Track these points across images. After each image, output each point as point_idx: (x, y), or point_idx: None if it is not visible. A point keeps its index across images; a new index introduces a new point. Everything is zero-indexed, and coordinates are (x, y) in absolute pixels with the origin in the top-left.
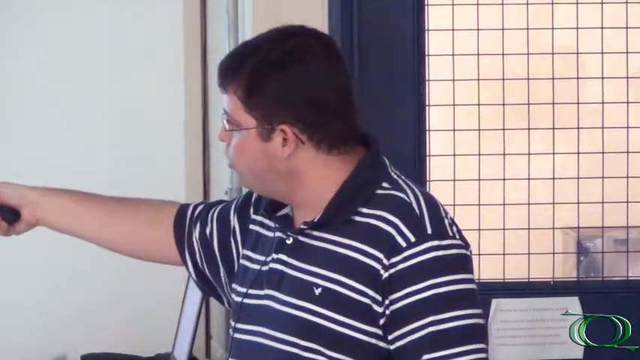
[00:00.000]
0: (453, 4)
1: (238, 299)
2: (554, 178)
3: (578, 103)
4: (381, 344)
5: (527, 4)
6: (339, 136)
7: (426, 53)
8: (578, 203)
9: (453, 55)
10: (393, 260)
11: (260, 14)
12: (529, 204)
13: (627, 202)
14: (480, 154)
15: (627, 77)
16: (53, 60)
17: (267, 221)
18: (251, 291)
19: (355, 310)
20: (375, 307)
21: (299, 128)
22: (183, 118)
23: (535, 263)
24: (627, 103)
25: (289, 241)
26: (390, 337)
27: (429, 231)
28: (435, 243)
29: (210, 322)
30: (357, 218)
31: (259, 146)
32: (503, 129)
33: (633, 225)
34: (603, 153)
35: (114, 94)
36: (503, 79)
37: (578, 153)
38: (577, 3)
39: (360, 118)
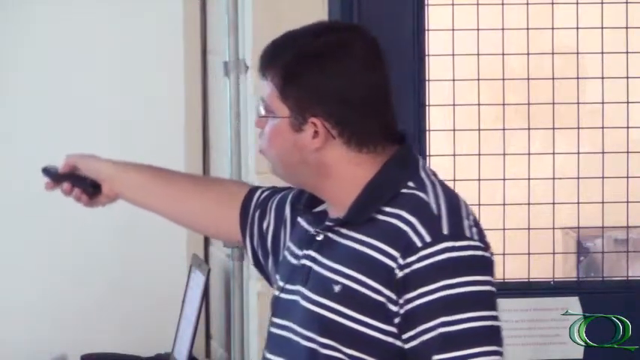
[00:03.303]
0: (453, 4)
1: (276, 293)
2: (554, 178)
3: (578, 103)
4: (398, 343)
5: (527, 4)
6: (371, 135)
7: (426, 53)
8: (578, 203)
9: (453, 55)
10: (409, 260)
11: (260, 14)
12: (529, 204)
13: (627, 202)
14: (479, 154)
15: (627, 77)
16: (53, 60)
17: (305, 215)
18: (287, 286)
19: (371, 308)
20: (390, 306)
21: (330, 123)
22: (183, 118)
23: (535, 263)
24: (627, 103)
25: (319, 238)
26: (404, 337)
27: (445, 231)
28: (450, 244)
29: (210, 322)
30: (379, 217)
31: (290, 136)
32: (504, 129)
33: (633, 225)
34: (603, 153)
35: (113, 94)
36: (503, 79)
37: (578, 153)
38: (577, 3)
39: (395, 117)
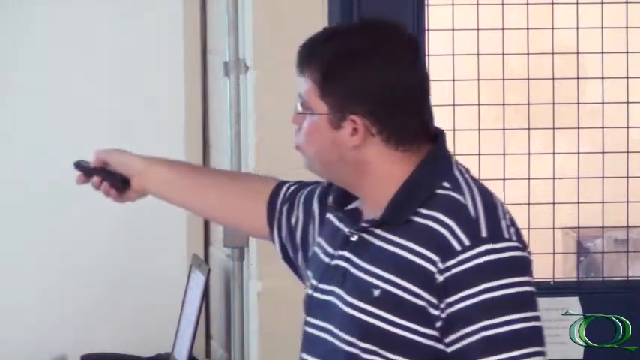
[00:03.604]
0: (453, 4)
1: (309, 292)
2: (554, 178)
3: (578, 103)
4: (439, 346)
5: (527, 4)
6: (409, 133)
7: (426, 53)
8: (578, 203)
9: (453, 55)
10: (449, 263)
11: (260, 14)
12: (529, 204)
13: (627, 202)
14: (479, 154)
15: (627, 77)
16: (53, 60)
17: (336, 212)
18: (321, 285)
19: (411, 312)
20: (431, 310)
21: (370, 121)
22: (183, 118)
23: (535, 263)
24: (627, 103)
25: (354, 238)
26: (446, 340)
27: (484, 234)
28: (490, 246)
29: (210, 322)
30: (416, 219)
31: (329, 133)
32: (504, 129)
33: (633, 225)
34: (603, 153)
35: (113, 94)
36: (503, 79)
37: (578, 153)
38: (577, 3)
39: (432, 116)
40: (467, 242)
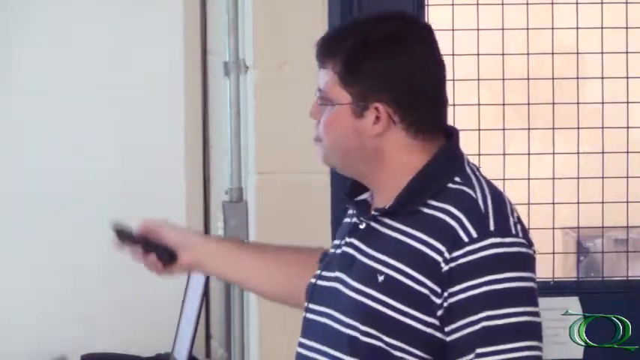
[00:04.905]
0: (453, 4)
1: (312, 280)
2: (554, 178)
3: (578, 103)
4: (438, 334)
5: (527, 4)
6: (428, 122)
7: None
8: (578, 203)
9: (453, 55)
10: (455, 254)
11: (260, 14)
12: (529, 204)
13: (627, 202)
14: (480, 154)
15: (627, 77)
16: (53, 60)
17: (351, 210)
18: (324, 273)
19: (414, 299)
20: (434, 299)
21: (393, 109)
22: (183, 118)
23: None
24: (627, 103)
25: (362, 226)
26: (446, 330)
27: (492, 228)
28: (497, 240)
29: (210, 322)
30: (425, 210)
31: (351, 122)
32: (504, 129)
33: (633, 225)
34: (603, 153)
35: (114, 95)
36: (503, 79)
37: (578, 153)
38: (577, 3)
39: (447, 109)
40: (475, 235)
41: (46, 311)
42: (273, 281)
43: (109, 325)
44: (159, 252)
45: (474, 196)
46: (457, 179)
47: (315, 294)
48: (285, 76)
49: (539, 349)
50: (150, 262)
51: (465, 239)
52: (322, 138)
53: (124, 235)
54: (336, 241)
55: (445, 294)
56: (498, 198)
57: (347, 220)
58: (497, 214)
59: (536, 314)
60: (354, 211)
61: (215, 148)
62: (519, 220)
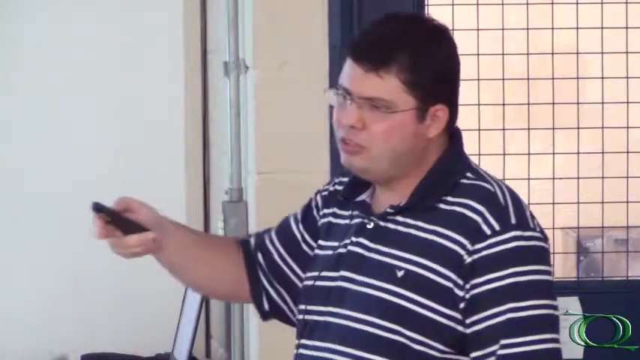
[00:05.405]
0: (453, 4)
1: (309, 282)
2: (554, 178)
3: (578, 103)
4: (459, 328)
5: (527, 4)
6: (455, 119)
7: None
8: (578, 203)
9: None
10: (478, 246)
11: (260, 14)
12: (529, 204)
13: (627, 202)
14: (480, 154)
15: (627, 77)
16: (53, 60)
17: (340, 211)
18: (324, 273)
19: (437, 292)
20: (457, 291)
21: (448, 108)
22: (183, 118)
23: None
24: (627, 103)
25: (370, 226)
26: (467, 321)
27: (513, 221)
28: (518, 233)
29: (210, 322)
30: (442, 206)
31: (413, 127)
32: (503, 129)
33: (633, 225)
34: (603, 153)
35: (114, 94)
36: (503, 79)
37: (578, 153)
38: (577, 3)
39: None
40: (497, 227)
41: (46, 311)
42: (223, 280)
43: (109, 325)
44: (125, 225)
45: (492, 190)
46: (469, 175)
47: (313, 295)
48: (285, 76)
49: (559, 341)
50: (107, 230)
51: (488, 232)
52: (371, 146)
53: (101, 210)
54: (331, 243)
55: (467, 286)
56: (513, 193)
57: (338, 221)
58: (516, 208)
59: (556, 307)
60: (355, 212)
61: (215, 148)
62: (532, 215)
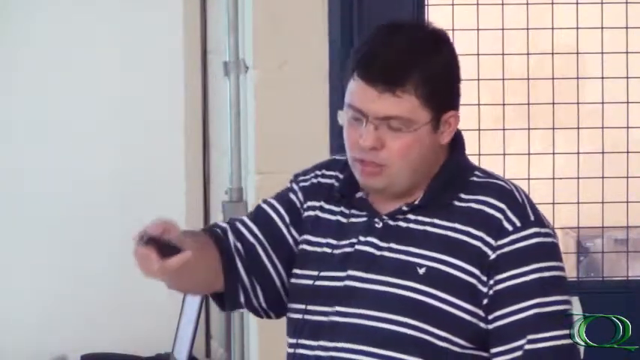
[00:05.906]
0: (453, 4)
1: (307, 282)
2: (554, 178)
3: (578, 103)
4: (481, 324)
5: (527, 4)
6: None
7: None
8: (578, 203)
9: None
10: (500, 242)
11: (260, 14)
12: None
13: (627, 202)
14: (480, 154)
15: (627, 77)
16: (53, 60)
17: (328, 206)
18: (325, 273)
19: (460, 288)
20: (480, 287)
21: (456, 114)
22: (183, 118)
23: None
24: (627, 103)
25: (379, 225)
26: (490, 317)
27: (532, 218)
28: (538, 230)
29: (210, 322)
30: (457, 203)
31: (429, 139)
32: (503, 129)
33: (633, 225)
34: (603, 153)
35: (114, 94)
36: (503, 79)
37: (578, 153)
38: (577, 3)
39: None
40: (518, 224)
41: (46, 311)
42: (208, 278)
43: (109, 325)
44: (164, 249)
45: (508, 187)
46: (478, 173)
47: (317, 294)
48: (285, 76)
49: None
50: (146, 253)
51: (510, 228)
52: (391, 164)
53: (148, 241)
54: (320, 239)
55: (491, 282)
56: (524, 191)
57: (326, 216)
58: (531, 205)
59: (571, 303)
60: (354, 210)
61: (215, 148)
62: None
